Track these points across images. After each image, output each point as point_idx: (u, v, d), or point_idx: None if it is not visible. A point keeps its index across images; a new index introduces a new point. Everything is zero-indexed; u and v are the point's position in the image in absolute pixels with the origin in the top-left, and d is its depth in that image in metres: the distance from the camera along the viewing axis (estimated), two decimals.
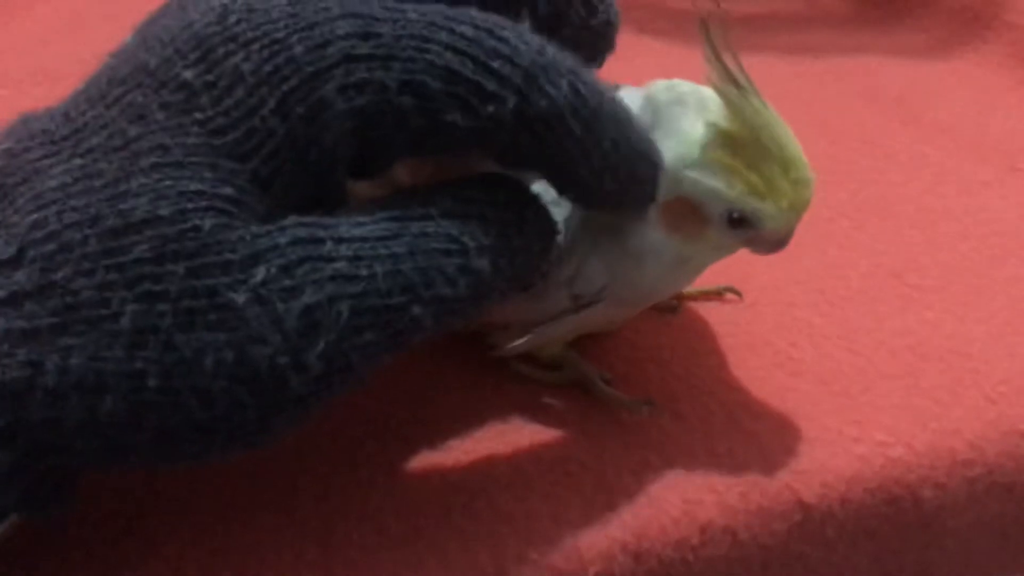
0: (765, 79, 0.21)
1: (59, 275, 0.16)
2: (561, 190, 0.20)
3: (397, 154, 0.19)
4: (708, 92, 0.22)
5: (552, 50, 0.18)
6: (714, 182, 0.21)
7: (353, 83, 0.17)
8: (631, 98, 0.23)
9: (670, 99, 0.22)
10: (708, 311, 0.29)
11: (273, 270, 0.17)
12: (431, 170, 0.24)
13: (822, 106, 0.42)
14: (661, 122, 0.22)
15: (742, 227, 0.22)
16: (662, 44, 0.47)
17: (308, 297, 0.17)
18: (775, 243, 0.23)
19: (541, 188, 0.23)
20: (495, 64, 0.18)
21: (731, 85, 0.21)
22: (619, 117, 0.19)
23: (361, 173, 0.19)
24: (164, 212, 0.17)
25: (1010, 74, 0.45)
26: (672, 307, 0.28)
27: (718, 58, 0.21)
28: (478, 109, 0.18)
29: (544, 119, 0.18)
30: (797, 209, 0.21)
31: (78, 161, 0.17)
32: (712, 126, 0.21)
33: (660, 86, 0.23)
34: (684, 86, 0.22)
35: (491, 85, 0.18)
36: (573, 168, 0.19)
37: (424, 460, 0.23)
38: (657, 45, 0.47)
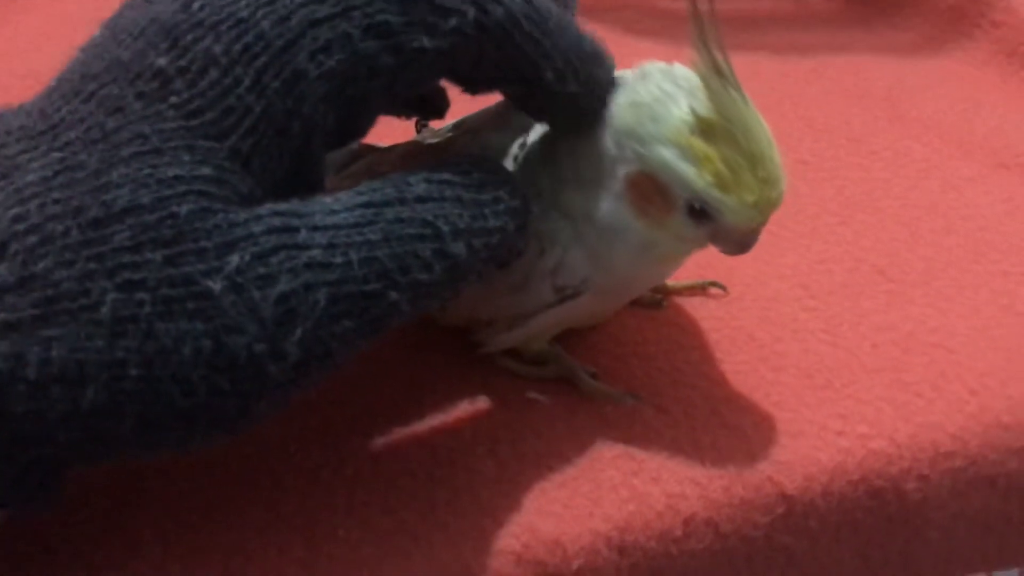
0: (752, 77, 0.22)
1: (40, 267, 0.16)
2: (531, 102, 0.21)
3: (375, 109, 0.20)
4: None
5: None
6: (682, 165, 0.21)
7: (321, 47, 0.18)
8: (623, 75, 0.23)
9: (664, 77, 0.22)
10: (693, 306, 0.29)
11: (247, 258, 0.17)
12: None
13: (809, 104, 0.42)
14: (650, 94, 0.22)
15: (704, 219, 0.22)
16: (650, 44, 0.47)
17: (283, 285, 0.17)
18: (738, 242, 0.22)
19: None
20: None
21: (714, 73, 0.21)
22: (569, 24, 0.21)
23: (341, 140, 0.20)
24: (145, 200, 0.17)
25: (996, 71, 0.45)
26: (657, 302, 0.28)
27: (705, 45, 0.21)
28: (441, 26, 0.18)
29: (503, 26, 0.19)
30: (761, 209, 0.21)
31: (57, 155, 0.17)
32: (692, 110, 0.21)
33: (658, 64, 0.23)
34: (682, 71, 0.22)
35: (448, 1, 0.18)
36: (539, 72, 0.20)
37: (409, 455, 0.23)
38: (645, 45, 0.47)
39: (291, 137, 0.18)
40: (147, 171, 0.17)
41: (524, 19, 0.19)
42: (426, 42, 0.18)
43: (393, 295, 0.18)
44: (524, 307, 0.24)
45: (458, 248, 0.19)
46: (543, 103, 0.21)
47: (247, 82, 0.18)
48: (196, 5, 0.18)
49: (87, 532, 0.21)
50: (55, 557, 0.21)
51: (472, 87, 0.21)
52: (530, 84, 0.20)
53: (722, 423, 0.24)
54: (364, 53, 0.18)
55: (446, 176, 0.19)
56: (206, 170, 0.17)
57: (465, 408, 0.25)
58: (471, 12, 0.19)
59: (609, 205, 0.23)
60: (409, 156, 0.25)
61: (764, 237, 0.23)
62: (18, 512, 0.18)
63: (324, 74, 0.18)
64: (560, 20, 0.20)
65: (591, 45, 0.21)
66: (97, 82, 0.18)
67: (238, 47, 0.18)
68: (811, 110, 0.41)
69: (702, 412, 0.25)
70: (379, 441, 0.24)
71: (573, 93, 0.21)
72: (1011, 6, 0.47)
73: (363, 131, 0.21)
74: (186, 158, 0.17)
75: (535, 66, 0.20)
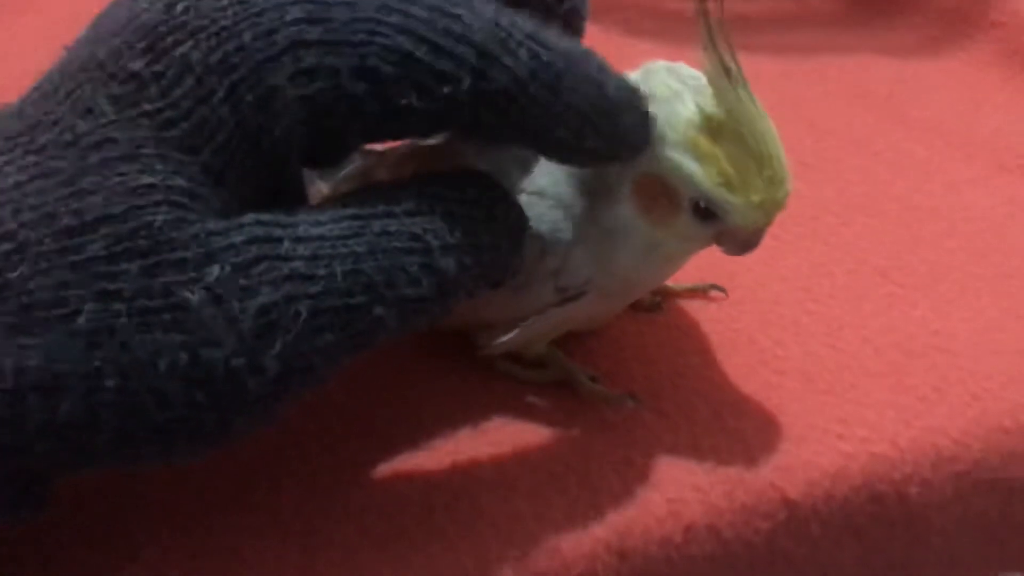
0: (754, 78, 0.21)
1: (15, 274, 0.16)
2: (543, 154, 0.20)
3: (353, 141, 0.19)
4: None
5: (507, 19, 0.18)
6: (688, 165, 0.21)
7: (304, 70, 0.17)
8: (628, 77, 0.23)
9: (669, 77, 0.22)
10: (693, 309, 0.28)
11: (227, 268, 0.16)
12: (412, 169, 0.24)
13: (810, 105, 0.42)
14: (655, 95, 0.21)
15: (709, 219, 0.22)
16: (652, 45, 0.47)
17: (264, 297, 0.16)
18: (743, 242, 0.22)
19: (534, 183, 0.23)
20: (448, 44, 0.17)
21: (722, 74, 0.21)
22: (592, 73, 0.19)
23: (318, 162, 0.19)
24: (117, 210, 0.16)
25: (998, 73, 0.45)
26: (656, 305, 0.28)
27: (713, 45, 0.21)
28: (433, 90, 0.17)
29: (505, 93, 0.18)
30: (767, 209, 0.21)
31: (32, 159, 0.17)
32: (699, 110, 0.21)
33: (662, 64, 0.23)
34: (686, 70, 0.22)
35: (445, 66, 0.17)
36: (548, 133, 0.19)
37: (408, 460, 0.23)
38: (647, 46, 0.47)
39: (264, 155, 0.18)
40: (117, 179, 0.16)
41: (532, 82, 0.18)
42: (415, 102, 0.17)
43: (378, 310, 0.17)
44: (525, 308, 0.24)
45: (447, 263, 0.18)
46: (560, 155, 0.20)
47: (221, 94, 0.17)
48: (180, 7, 0.17)
49: (84, 536, 0.21)
50: (52, 560, 0.20)
51: (474, 140, 0.20)
52: (541, 143, 0.19)
53: (723, 427, 0.24)
54: (349, 92, 0.17)
55: (438, 190, 0.19)
56: (180, 181, 0.17)
57: (464, 412, 0.25)
58: (467, 80, 0.17)
59: (614, 206, 0.22)
60: (407, 158, 0.25)
61: (765, 239, 0.23)
62: (2, 523, 0.18)
63: (302, 98, 0.17)
64: (577, 71, 0.18)
65: (616, 92, 0.19)
66: (73, 82, 0.18)
67: (216, 56, 0.17)
68: (812, 112, 0.41)
69: (703, 416, 0.25)
70: (377, 445, 0.24)
71: (592, 148, 0.19)
72: (1012, 7, 0.47)
73: (339, 161, 0.20)
74: (159, 167, 0.17)
75: (545, 128, 0.18)
